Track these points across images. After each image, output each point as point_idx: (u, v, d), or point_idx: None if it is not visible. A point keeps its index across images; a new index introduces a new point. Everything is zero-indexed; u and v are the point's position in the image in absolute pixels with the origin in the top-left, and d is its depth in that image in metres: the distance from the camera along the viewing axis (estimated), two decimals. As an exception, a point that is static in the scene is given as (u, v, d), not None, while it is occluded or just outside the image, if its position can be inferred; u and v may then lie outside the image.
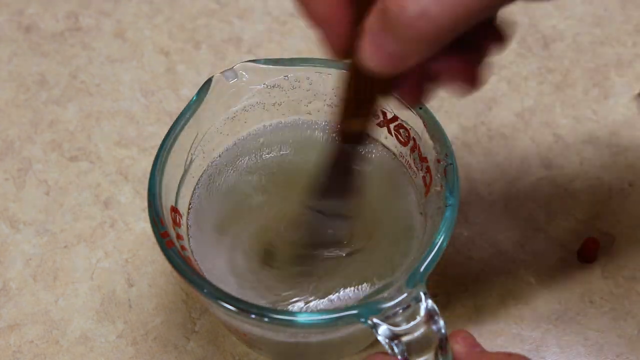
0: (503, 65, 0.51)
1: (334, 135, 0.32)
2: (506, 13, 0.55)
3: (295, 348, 0.36)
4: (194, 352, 0.40)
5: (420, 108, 0.35)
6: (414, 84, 0.28)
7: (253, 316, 0.29)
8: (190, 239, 0.36)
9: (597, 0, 0.55)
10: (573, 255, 0.43)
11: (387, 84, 0.28)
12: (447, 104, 0.49)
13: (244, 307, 0.29)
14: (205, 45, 0.53)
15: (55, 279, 0.42)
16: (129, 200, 0.45)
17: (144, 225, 0.44)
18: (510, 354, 0.27)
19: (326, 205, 0.35)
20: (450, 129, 0.48)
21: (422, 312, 0.28)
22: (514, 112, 0.49)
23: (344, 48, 0.26)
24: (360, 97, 0.29)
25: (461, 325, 0.40)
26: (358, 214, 0.37)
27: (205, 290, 0.30)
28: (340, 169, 0.33)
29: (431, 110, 0.35)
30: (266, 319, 0.29)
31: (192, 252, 0.35)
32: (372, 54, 0.24)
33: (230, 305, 0.29)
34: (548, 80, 0.50)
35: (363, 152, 0.34)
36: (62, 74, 0.52)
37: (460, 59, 0.26)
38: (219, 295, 0.30)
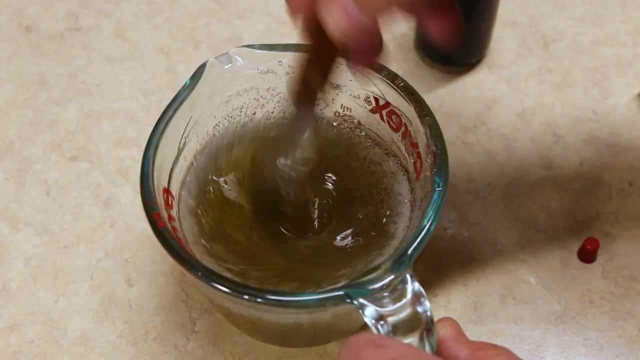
0: (503, 65, 0.51)
1: (292, 97, 0.34)
2: (506, 13, 0.54)
3: (287, 330, 0.36)
4: (194, 352, 0.40)
5: (412, 94, 0.35)
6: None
7: (246, 297, 0.30)
8: (182, 220, 0.37)
9: (597, 0, 0.55)
10: (573, 255, 0.43)
11: (336, 50, 0.30)
12: (447, 104, 0.49)
13: (236, 288, 0.30)
14: (205, 45, 0.53)
15: (55, 279, 0.42)
16: (129, 200, 0.45)
17: (144, 225, 0.44)
18: (495, 346, 0.27)
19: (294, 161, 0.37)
20: (450, 129, 0.48)
21: (409, 294, 0.29)
22: (514, 112, 0.49)
23: (302, 9, 0.29)
24: (317, 62, 0.31)
25: (461, 326, 0.40)
26: (345, 197, 0.38)
27: (200, 274, 0.30)
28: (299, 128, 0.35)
29: (429, 105, 0.35)
30: (259, 300, 0.29)
31: (183, 233, 0.36)
32: (336, 19, 0.26)
33: (223, 286, 0.30)
34: (548, 80, 0.50)
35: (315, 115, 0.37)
36: (62, 74, 0.52)
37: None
38: (211, 277, 0.30)
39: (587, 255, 0.42)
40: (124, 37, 0.54)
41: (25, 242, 0.44)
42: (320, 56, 0.31)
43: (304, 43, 0.31)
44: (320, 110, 0.40)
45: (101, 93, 0.51)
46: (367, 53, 0.30)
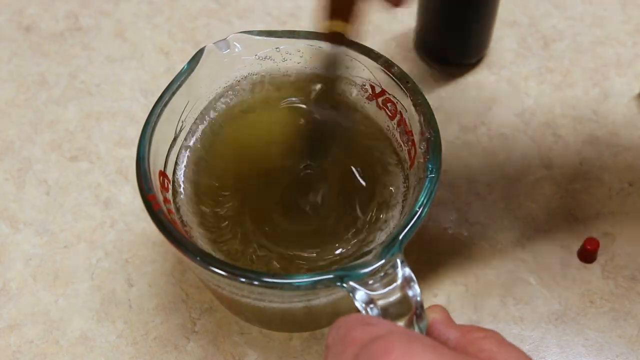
0: (503, 65, 0.51)
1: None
2: (506, 13, 0.54)
3: (285, 315, 0.37)
4: (194, 352, 0.40)
5: (407, 82, 0.36)
6: None
7: (243, 280, 0.30)
8: (178, 203, 0.37)
9: (597, 0, 0.55)
10: (573, 255, 0.43)
11: None
12: (447, 104, 0.49)
13: (232, 271, 0.30)
14: (205, 45, 0.53)
15: (55, 279, 0.42)
16: (129, 200, 0.45)
17: (144, 225, 0.44)
18: (485, 329, 0.27)
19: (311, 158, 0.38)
20: (450, 129, 0.48)
21: (399, 278, 0.29)
22: (514, 112, 0.49)
23: None
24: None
25: (461, 325, 0.40)
26: (342, 186, 0.38)
27: (197, 258, 0.31)
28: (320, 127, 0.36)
29: (425, 95, 0.35)
30: (255, 282, 0.30)
31: (179, 216, 0.36)
32: None
33: (219, 269, 0.30)
34: (548, 80, 0.50)
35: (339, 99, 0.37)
36: (62, 74, 0.52)
37: None
38: (208, 260, 0.31)
39: (587, 255, 0.42)
40: (124, 37, 0.54)
41: (25, 242, 0.44)
42: None
43: None
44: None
45: (101, 93, 0.51)
46: None
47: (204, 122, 0.39)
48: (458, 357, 0.23)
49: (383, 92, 0.37)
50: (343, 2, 0.31)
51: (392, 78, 0.36)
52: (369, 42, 0.35)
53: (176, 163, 0.38)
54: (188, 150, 0.39)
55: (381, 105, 0.38)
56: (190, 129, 0.38)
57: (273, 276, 0.30)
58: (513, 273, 0.42)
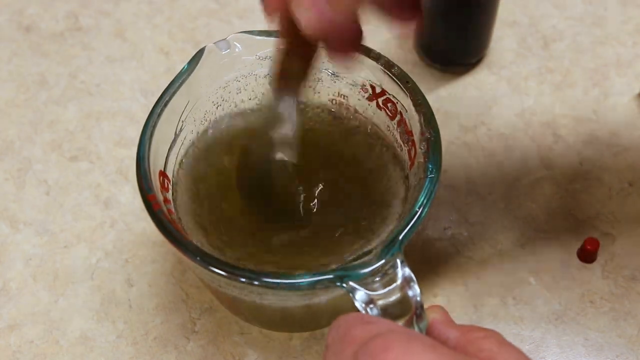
0: (503, 65, 0.51)
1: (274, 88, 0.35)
2: (506, 13, 0.54)
3: (282, 316, 0.37)
4: (194, 352, 0.40)
5: (408, 82, 0.36)
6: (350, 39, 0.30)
7: (243, 280, 0.30)
8: (177, 203, 0.37)
9: (597, 0, 0.55)
10: (573, 255, 0.43)
11: (314, 45, 0.32)
12: (447, 104, 0.49)
13: (233, 271, 0.30)
14: (205, 45, 0.53)
15: (55, 279, 0.42)
16: (129, 200, 0.45)
17: (144, 225, 0.44)
18: (485, 329, 0.27)
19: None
20: (450, 129, 0.48)
21: (399, 278, 0.29)
22: (514, 112, 0.49)
23: (277, 9, 0.30)
24: (296, 56, 0.32)
25: (461, 325, 0.40)
26: (344, 186, 0.38)
27: (198, 258, 0.31)
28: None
29: (425, 95, 0.36)
30: (255, 282, 0.30)
31: (178, 216, 0.36)
32: (308, 16, 0.27)
33: (219, 269, 0.30)
34: (548, 80, 0.50)
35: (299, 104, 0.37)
36: (62, 74, 0.52)
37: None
38: (208, 260, 0.31)
39: (587, 255, 0.42)
40: (124, 37, 0.54)
41: (25, 242, 0.44)
42: (298, 51, 0.32)
43: (281, 40, 0.32)
44: (307, 100, 0.40)
45: (101, 93, 0.51)
46: (341, 47, 0.30)
47: (204, 122, 0.39)
48: (458, 356, 0.23)
49: (383, 92, 0.37)
50: (301, 48, 0.32)
51: (392, 78, 0.36)
52: (369, 42, 0.35)
53: (177, 163, 0.38)
54: (188, 150, 0.39)
55: (381, 105, 0.38)
56: (190, 128, 0.38)
57: (273, 276, 0.30)
58: (513, 273, 0.42)
